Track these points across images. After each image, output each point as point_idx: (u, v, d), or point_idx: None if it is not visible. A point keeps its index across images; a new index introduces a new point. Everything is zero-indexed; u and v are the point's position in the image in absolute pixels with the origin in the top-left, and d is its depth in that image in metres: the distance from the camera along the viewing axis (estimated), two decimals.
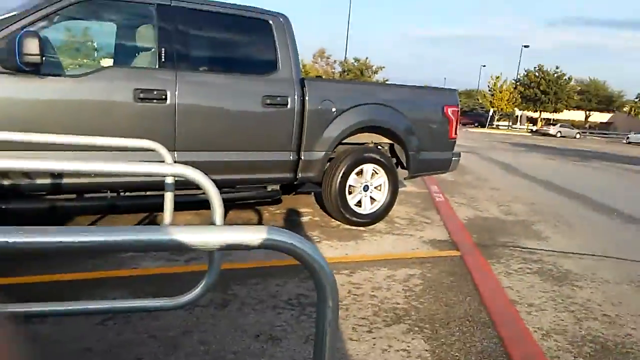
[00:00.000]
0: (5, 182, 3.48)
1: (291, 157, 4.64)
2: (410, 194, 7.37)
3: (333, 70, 59.55)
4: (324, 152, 4.79)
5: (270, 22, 4.55)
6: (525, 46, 60.08)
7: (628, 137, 46.70)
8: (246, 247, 0.95)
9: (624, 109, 61.34)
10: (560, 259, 4.51)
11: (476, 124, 57.88)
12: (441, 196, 7.39)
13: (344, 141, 5.05)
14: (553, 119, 62.15)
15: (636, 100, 58.08)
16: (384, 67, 54.73)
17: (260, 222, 5.12)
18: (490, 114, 56.70)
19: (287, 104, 4.49)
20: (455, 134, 5.57)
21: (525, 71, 57.06)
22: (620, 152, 26.34)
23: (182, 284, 3.02)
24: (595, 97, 64.82)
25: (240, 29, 4.62)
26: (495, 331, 2.87)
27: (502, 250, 4.66)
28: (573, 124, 62.75)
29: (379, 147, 5.44)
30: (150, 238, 0.89)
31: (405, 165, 5.47)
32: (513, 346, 2.70)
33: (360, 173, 5.08)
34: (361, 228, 5.08)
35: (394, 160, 5.54)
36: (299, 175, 4.77)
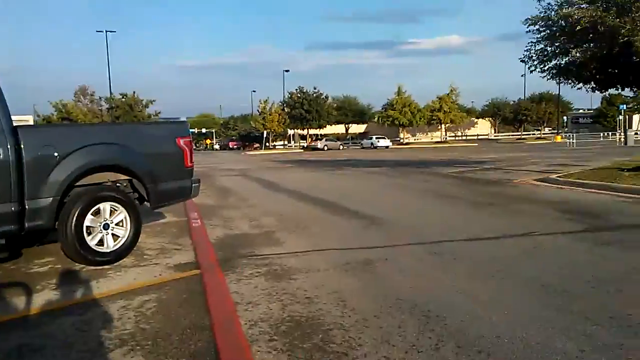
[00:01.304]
0: None
1: (13, 208, 4.48)
2: (167, 225, 7.59)
3: (100, 108, 55.92)
4: (51, 198, 4.73)
5: None
6: (286, 70, 65.86)
7: (372, 144, 55.97)
8: None
9: (374, 120, 70.98)
10: (288, 258, 5.28)
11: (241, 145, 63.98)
12: (199, 222, 7.79)
13: (80, 183, 5.07)
14: (320, 134, 68.86)
15: (382, 111, 67.74)
16: (154, 100, 53.63)
17: None
18: (265, 135, 60.03)
19: None
20: (191, 162, 6.02)
21: (289, 93, 62.00)
22: (369, 158, 30.69)
23: None
24: (350, 111, 73.94)
25: None
26: (212, 332, 3.33)
27: (240, 261, 5.23)
28: (338, 137, 70.60)
29: (118, 184, 5.57)
30: None
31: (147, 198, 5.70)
32: (222, 339, 3.17)
33: (97, 212, 5.14)
34: (107, 267, 5.13)
35: (136, 195, 5.74)
36: (27, 224, 4.63)
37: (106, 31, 51.00)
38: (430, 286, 4.21)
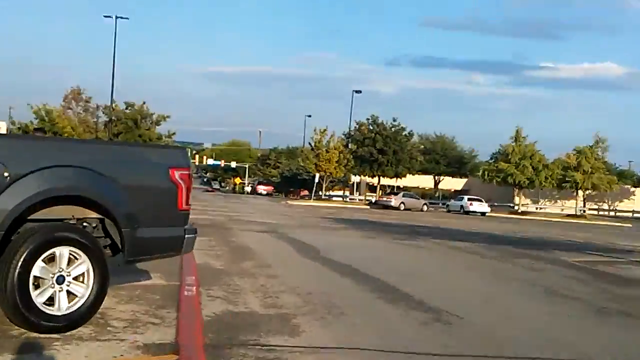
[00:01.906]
0: None
1: None
2: (150, 288, 7.85)
3: (96, 119, 58.63)
4: None
5: None
6: (357, 91, 66.92)
7: (462, 207, 55.96)
8: None
9: (478, 173, 69.61)
10: (302, 355, 5.35)
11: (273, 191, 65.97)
12: (193, 289, 8.01)
13: (32, 217, 5.42)
14: (397, 186, 68.74)
15: (490, 161, 66.56)
16: (169, 116, 55.83)
17: None
18: (317, 180, 60.22)
19: None
20: (187, 204, 6.27)
21: (357, 123, 62.55)
22: (461, 227, 30.37)
23: None
24: (444, 158, 73.29)
25: None
26: None
27: (235, 351, 5.34)
28: (423, 194, 70.08)
29: (85, 223, 5.89)
30: None
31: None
32: None
33: (52, 259, 5.42)
34: (55, 335, 5.36)
35: (108, 241, 6.02)
36: None
37: (116, 17, 52.99)
38: None
